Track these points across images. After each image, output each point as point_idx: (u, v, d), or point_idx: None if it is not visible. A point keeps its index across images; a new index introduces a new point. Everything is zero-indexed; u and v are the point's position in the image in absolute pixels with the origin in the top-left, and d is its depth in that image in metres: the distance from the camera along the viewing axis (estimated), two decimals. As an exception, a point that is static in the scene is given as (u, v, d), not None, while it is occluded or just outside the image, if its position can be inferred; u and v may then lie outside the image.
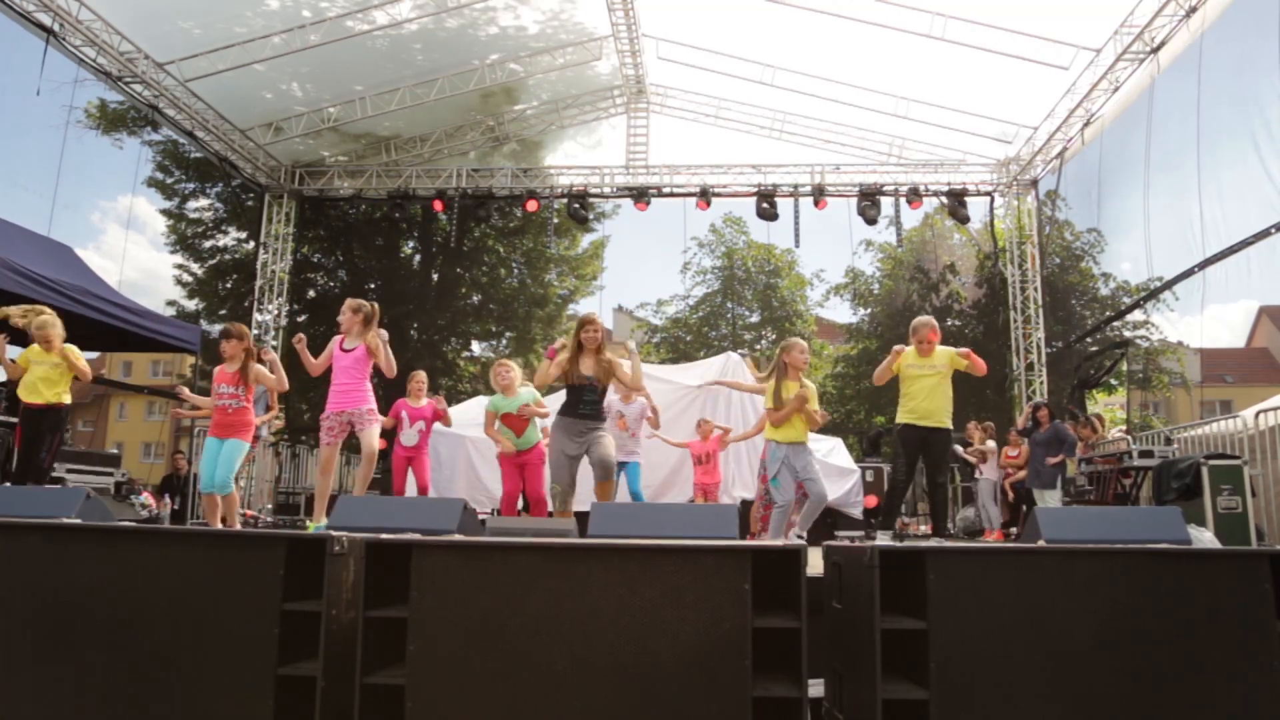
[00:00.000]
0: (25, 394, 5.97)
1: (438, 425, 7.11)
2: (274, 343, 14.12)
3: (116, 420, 34.01)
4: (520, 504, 6.54)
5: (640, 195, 13.64)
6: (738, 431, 8.22)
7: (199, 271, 17.93)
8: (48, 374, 5.95)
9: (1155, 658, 2.30)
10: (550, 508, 5.40)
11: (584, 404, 5.32)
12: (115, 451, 8.46)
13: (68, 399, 6.11)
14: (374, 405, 5.64)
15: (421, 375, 7.11)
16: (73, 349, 6.08)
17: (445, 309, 18.13)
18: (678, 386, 9.50)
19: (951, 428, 5.88)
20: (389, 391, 8.96)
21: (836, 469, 9.74)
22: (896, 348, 5.92)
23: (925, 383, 5.75)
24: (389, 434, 7.96)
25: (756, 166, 13.81)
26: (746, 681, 2.26)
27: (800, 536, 5.98)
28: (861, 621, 2.41)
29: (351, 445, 6.27)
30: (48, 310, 6.11)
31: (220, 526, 5.59)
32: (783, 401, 5.75)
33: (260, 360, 5.84)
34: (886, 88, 12.41)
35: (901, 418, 5.84)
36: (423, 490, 7.00)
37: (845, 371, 19.59)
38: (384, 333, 5.70)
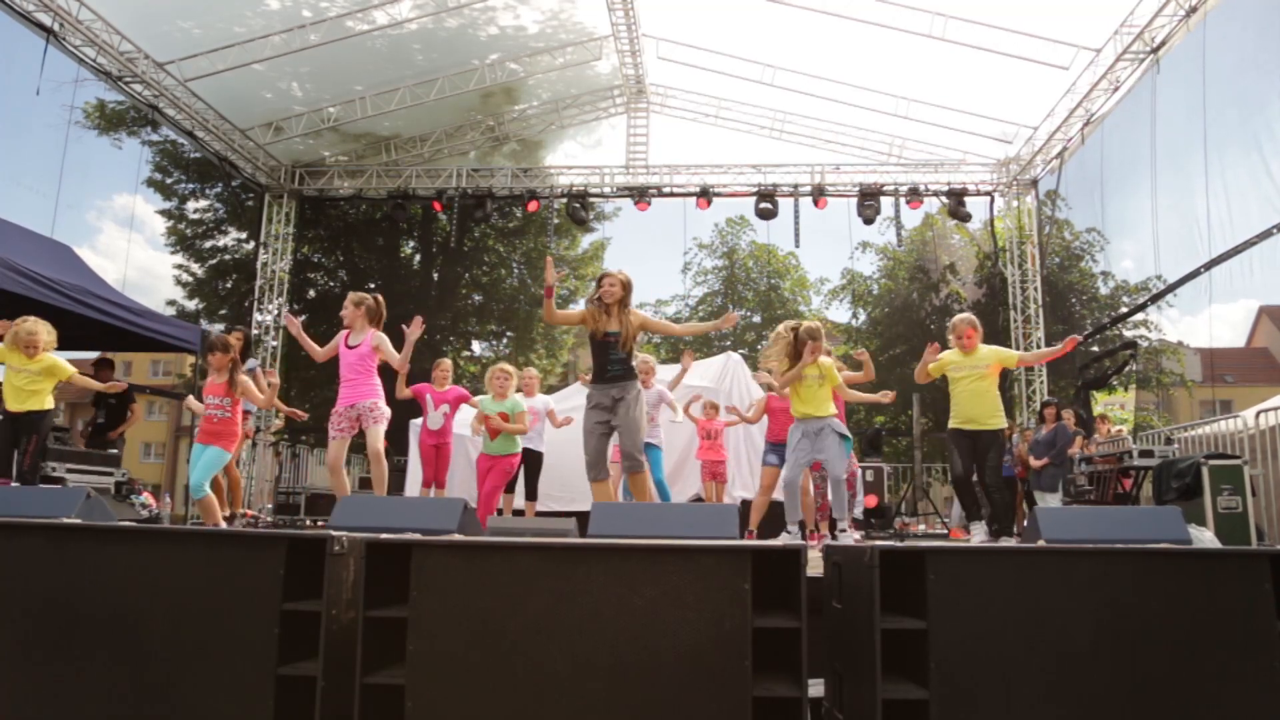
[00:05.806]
0: (7, 400, 6.04)
1: None
2: (274, 342, 14.11)
3: (116, 420, 33.92)
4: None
5: (640, 195, 13.63)
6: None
7: (199, 271, 17.95)
8: (25, 383, 5.98)
9: (1155, 658, 2.30)
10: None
11: (611, 364, 5.09)
12: (115, 451, 8.42)
13: (48, 404, 6.13)
14: (382, 400, 5.65)
15: (446, 363, 7.09)
16: (56, 359, 6.10)
17: (446, 309, 18.10)
18: (681, 386, 9.46)
19: (1003, 428, 5.63)
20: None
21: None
22: (932, 345, 5.63)
23: (968, 385, 5.52)
24: (401, 427, 7.92)
25: (756, 166, 13.80)
26: (746, 681, 2.25)
27: (843, 530, 5.81)
28: (861, 621, 2.41)
29: (355, 446, 6.24)
30: (31, 319, 6.05)
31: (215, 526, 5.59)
32: (803, 376, 5.70)
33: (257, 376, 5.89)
34: (886, 88, 12.41)
35: (951, 423, 5.64)
36: (439, 483, 6.87)
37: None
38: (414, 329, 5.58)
